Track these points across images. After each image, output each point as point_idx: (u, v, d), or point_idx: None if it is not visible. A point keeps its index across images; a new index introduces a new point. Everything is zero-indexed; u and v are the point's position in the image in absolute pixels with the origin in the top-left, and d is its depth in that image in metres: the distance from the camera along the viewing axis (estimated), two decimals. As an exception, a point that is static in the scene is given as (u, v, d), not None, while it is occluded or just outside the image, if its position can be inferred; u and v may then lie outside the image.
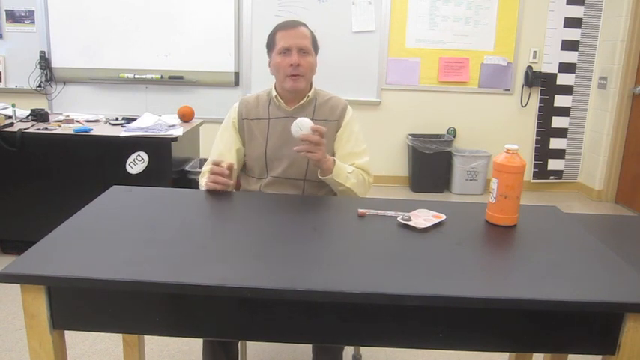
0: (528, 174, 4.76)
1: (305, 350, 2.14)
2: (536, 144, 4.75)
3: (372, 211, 1.45)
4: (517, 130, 4.73)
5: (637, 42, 4.26)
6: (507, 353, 1.87)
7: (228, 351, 1.73)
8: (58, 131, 2.85)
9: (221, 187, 1.59)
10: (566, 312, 1.04)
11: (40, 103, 4.31)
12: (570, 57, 4.61)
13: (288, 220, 1.41)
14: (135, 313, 1.08)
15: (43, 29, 4.39)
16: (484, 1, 4.48)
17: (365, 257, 1.18)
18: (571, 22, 4.54)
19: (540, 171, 4.79)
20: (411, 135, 4.58)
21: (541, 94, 4.66)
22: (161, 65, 4.46)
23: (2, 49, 4.45)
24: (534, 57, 4.60)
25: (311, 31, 1.80)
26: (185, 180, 3.00)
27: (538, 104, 4.69)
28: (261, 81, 4.33)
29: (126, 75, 4.46)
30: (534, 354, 1.74)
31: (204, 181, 1.74)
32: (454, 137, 4.65)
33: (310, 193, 1.79)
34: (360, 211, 1.44)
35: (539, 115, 4.70)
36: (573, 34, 4.56)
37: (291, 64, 1.71)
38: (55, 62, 4.45)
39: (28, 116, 3.07)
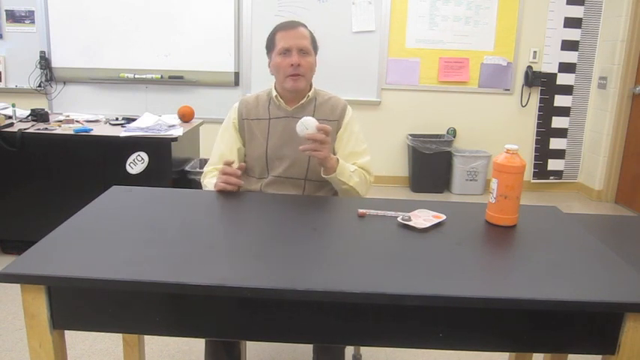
0: (528, 174, 4.76)
1: (305, 350, 2.14)
2: (536, 144, 4.75)
3: (372, 211, 1.45)
4: (517, 130, 4.73)
5: (637, 42, 4.26)
6: (507, 353, 1.87)
7: (231, 352, 1.73)
8: (58, 131, 2.85)
9: (232, 188, 1.60)
10: (566, 312, 1.04)
11: (40, 103, 4.31)
12: (570, 57, 4.61)
13: (288, 220, 1.41)
14: (135, 313, 1.08)
15: (43, 29, 4.39)
16: (484, 1, 4.48)
17: (365, 257, 1.18)
18: (571, 22, 4.54)
19: (540, 171, 4.79)
20: (411, 135, 4.58)
21: (541, 94, 4.66)
22: (161, 65, 4.46)
23: (2, 49, 4.45)
24: (534, 57, 4.60)
25: (310, 32, 1.81)
26: (185, 180, 3.00)
27: (538, 104, 4.69)
28: (261, 81, 4.33)
29: (126, 75, 4.46)
30: (534, 354, 1.74)
31: (209, 181, 1.75)
32: (454, 137, 4.65)
33: (311, 193, 1.79)
34: (360, 211, 1.44)
35: (539, 115, 4.71)
36: (573, 34, 4.56)
37: (292, 65, 1.72)
38: (55, 62, 4.45)
39: (28, 116, 3.07)
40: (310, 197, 1.75)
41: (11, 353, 2.10)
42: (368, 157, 1.83)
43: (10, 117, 3.04)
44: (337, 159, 1.68)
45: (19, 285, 1.04)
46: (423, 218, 1.40)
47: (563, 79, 4.64)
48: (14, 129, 2.82)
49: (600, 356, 1.12)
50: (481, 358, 2.14)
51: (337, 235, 1.33)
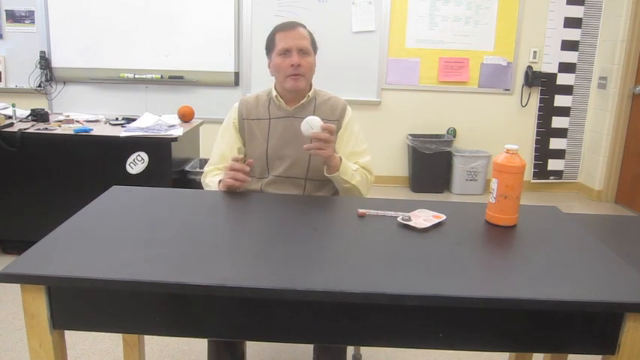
0: (528, 174, 4.76)
1: (305, 350, 2.14)
2: (536, 144, 4.75)
3: (372, 211, 1.45)
4: (517, 130, 4.73)
5: (637, 42, 4.26)
6: (507, 353, 1.87)
7: (234, 352, 1.72)
8: (58, 131, 2.85)
9: (239, 184, 1.60)
10: (566, 312, 1.04)
11: (40, 103, 4.31)
12: (570, 57, 4.61)
13: (288, 220, 1.41)
14: (135, 313, 1.08)
15: (43, 29, 4.39)
16: (484, 1, 4.48)
17: (365, 257, 1.18)
18: (571, 22, 4.54)
19: (540, 171, 4.79)
20: (411, 135, 4.58)
21: (541, 94, 4.66)
22: (161, 65, 4.46)
23: (2, 49, 4.45)
24: (534, 57, 4.60)
25: (309, 32, 1.81)
26: (185, 180, 3.00)
27: (538, 104, 4.69)
28: (261, 81, 4.33)
29: (126, 75, 4.46)
30: (534, 354, 1.74)
31: (210, 180, 1.75)
32: (454, 137, 4.65)
33: (311, 192, 1.80)
34: (360, 211, 1.44)
35: (539, 115, 4.70)
36: (573, 34, 4.56)
37: (292, 65, 1.72)
38: (55, 62, 4.45)
39: (28, 116, 3.07)
40: (310, 197, 1.75)
41: (11, 353, 2.10)
42: (368, 156, 1.84)
43: (10, 117, 3.04)
44: (340, 158, 1.69)
45: (19, 285, 1.04)
46: (423, 218, 1.40)
47: (563, 79, 4.64)
48: (14, 129, 2.82)
49: (600, 356, 1.12)
50: (481, 358, 2.14)
51: (337, 235, 1.33)
